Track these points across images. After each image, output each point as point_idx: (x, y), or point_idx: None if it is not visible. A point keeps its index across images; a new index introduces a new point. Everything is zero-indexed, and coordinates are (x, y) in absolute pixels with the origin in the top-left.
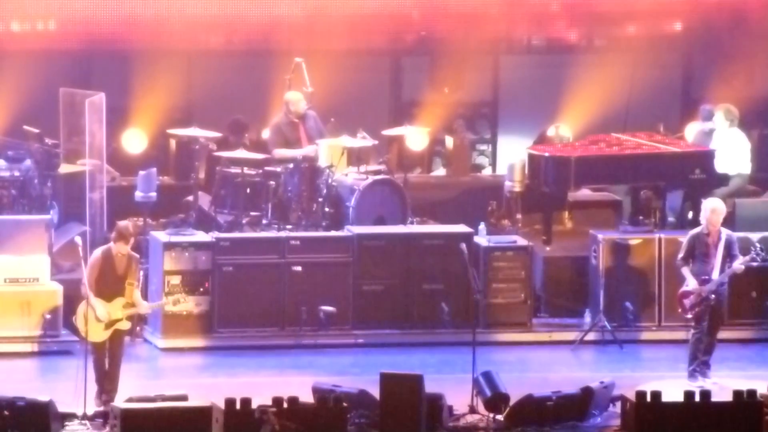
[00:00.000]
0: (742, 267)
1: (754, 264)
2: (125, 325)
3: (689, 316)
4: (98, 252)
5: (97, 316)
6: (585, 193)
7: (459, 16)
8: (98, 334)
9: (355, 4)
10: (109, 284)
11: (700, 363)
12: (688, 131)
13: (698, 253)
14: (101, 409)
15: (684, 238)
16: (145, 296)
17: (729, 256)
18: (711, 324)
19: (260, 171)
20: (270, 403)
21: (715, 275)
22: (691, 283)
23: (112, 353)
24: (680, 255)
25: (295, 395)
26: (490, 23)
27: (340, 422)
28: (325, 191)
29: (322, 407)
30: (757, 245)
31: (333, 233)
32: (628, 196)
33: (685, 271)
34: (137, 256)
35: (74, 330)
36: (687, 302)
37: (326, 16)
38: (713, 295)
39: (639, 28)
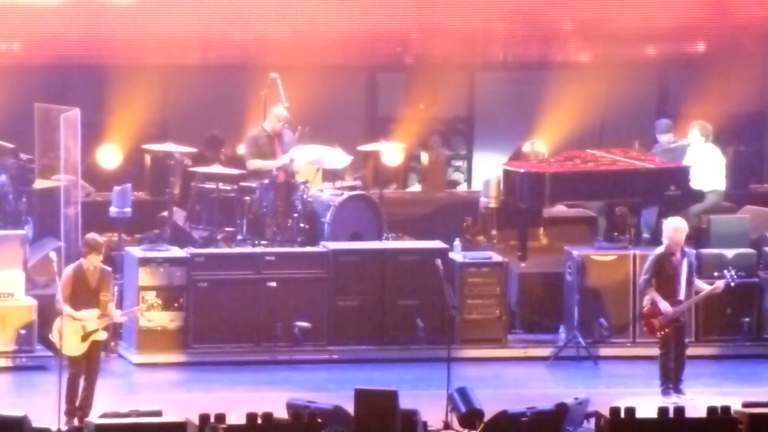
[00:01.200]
0: (721, 287)
1: (731, 285)
2: (102, 336)
3: (659, 335)
4: (69, 269)
5: (85, 326)
6: (560, 209)
7: (435, 33)
8: (76, 347)
9: (331, 20)
10: (83, 299)
11: (674, 381)
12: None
13: (666, 273)
14: (75, 424)
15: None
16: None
17: (688, 276)
18: (681, 342)
19: (235, 186)
20: (244, 419)
21: (683, 295)
22: (662, 306)
23: (89, 368)
24: (645, 276)
25: (269, 411)
26: (466, 40)
27: None
28: (300, 207)
29: (297, 423)
30: (731, 269)
31: (308, 249)
32: (602, 212)
33: (653, 292)
34: (109, 269)
35: (49, 345)
36: (656, 323)
37: (302, 32)
38: (683, 317)
39: (615, 45)
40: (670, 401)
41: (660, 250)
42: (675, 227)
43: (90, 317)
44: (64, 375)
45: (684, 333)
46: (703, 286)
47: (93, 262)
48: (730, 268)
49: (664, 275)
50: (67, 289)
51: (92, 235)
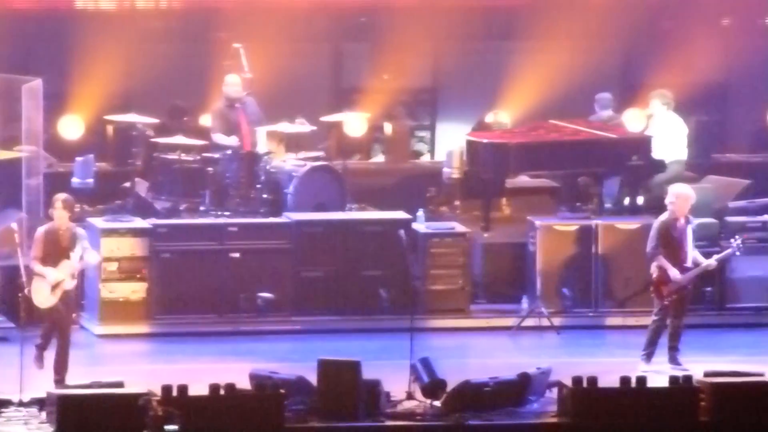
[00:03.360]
0: (714, 265)
1: (737, 254)
2: (70, 284)
3: (666, 302)
4: (42, 229)
5: (50, 281)
6: (523, 179)
7: (399, 3)
8: (47, 299)
9: None
10: (55, 258)
11: (669, 349)
12: (626, 117)
13: (671, 239)
14: (43, 395)
15: (628, 226)
16: (81, 281)
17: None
18: (683, 310)
19: (198, 157)
20: (207, 390)
21: (690, 262)
22: (672, 273)
23: (61, 326)
24: (652, 244)
25: (233, 382)
26: (430, 9)
27: (277, 409)
28: (263, 178)
29: (260, 394)
30: (738, 237)
31: (271, 220)
32: (565, 182)
33: (662, 260)
34: (83, 231)
35: (11, 316)
36: (666, 290)
37: (266, 2)
38: (690, 285)
39: (578, 14)
40: (650, 368)
41: (663, 216)
42: (677, 194)
43: (59, 269)
44: (27, 344)
45: (687, 301)
46: (700, 259)
47: (59, 216)
48: (737, 237)
49: (669, 241)
50: (39, 248)
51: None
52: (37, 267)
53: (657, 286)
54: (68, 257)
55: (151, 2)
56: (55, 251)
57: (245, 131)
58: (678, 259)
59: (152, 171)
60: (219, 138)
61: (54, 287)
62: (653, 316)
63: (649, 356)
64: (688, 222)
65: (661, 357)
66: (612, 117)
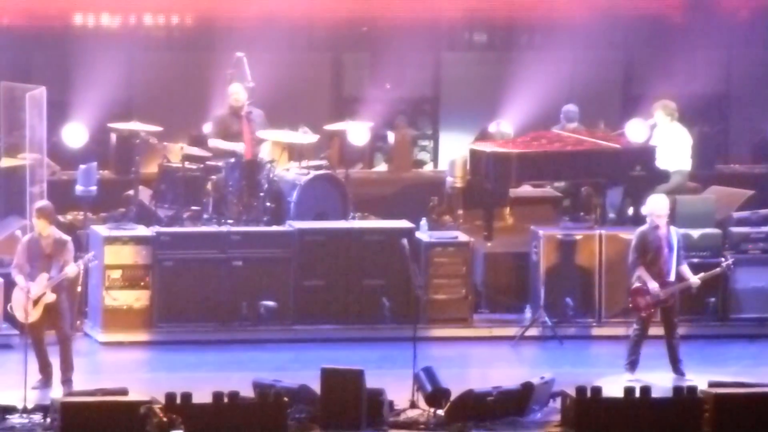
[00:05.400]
0: (697, 284)
1: (728, 272)
2: (50, 297)
3: (643, 314)
4: (25, 237)
5: (30, 297)
6: (526, 189)
7: (401, 13)
8: (29, 314)
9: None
10: (39, 266)
11: (672, 361)
12: (629, 127)
13: (651, 249)
14: (47, 402)
15: (631, 236)
16: (85, 290)
17: (678, 257)
18: (671, 324)
19: (201, 165)
20: (210, 398)
21: (673, 276)
22: (651, 285)
23: (57, 334)
24: (633, 256)
25: (235, 390)
26: (432, 19)
27: (280, 417)
28: (266, 186)
29: (263, 402)
30: (729, 257)
31: (274, 228)
32: (568, 192)
33: (642, 272)
34: (67, 238)
35: (14, 322)
36: (642, 301)
37: (268, 12)
38: (673, 300)
39: (579, 25)
40: (633, 377)
41: (643, 226)
42: (652, 200)
43: (38, 283)
44: (30, 351)
45: (673, 314)
46: (687, 274)
47: (39, 227)
48: (728, 257)
49: (649, 250)
50: (21, 257)
51: (43, 202)
52: (18, 277)
53: (634, 297)
54: (51, 266)
55: (160, 19)
56: (40, 259)
57: (247, 140)
58: (659, 272)
59: (155, 179)
60: (217, 143)
61: (35, 302)
62: (634, 325)
63: (632, 365)
64: (669, 231)
65: (664, 368)
66: (577, 128)
